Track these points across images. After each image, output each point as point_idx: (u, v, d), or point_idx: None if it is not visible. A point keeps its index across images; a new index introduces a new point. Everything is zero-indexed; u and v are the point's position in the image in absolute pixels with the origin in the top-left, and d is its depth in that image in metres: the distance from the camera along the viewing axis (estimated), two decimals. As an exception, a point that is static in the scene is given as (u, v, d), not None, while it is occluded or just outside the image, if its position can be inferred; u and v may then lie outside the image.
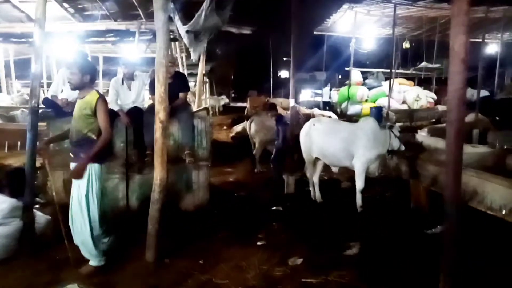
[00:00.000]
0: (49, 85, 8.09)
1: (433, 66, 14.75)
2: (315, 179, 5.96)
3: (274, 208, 5.67)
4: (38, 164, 4.22)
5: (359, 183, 5.28)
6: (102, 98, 3.53)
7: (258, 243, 4.42)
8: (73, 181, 3.51)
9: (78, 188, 3.47)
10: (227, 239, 4.49)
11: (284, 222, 5.06)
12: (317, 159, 5.86)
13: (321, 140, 5.60)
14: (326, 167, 6.29)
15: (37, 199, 4.69)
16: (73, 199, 3.51)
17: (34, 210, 3.89)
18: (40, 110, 4.31)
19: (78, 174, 3.43)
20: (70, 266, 3.65)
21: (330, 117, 12.09)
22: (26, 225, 3.69)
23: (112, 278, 3.52)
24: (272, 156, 7.13)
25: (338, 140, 5.42)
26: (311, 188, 6.03)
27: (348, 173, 6.43)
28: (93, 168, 3.48)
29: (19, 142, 5.59)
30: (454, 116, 2.08)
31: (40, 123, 4.17)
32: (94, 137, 3.50)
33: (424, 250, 4.04)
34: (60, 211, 3.78)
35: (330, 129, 5.64)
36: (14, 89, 13.09)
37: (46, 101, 5.13)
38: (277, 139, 7.01)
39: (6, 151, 6.22)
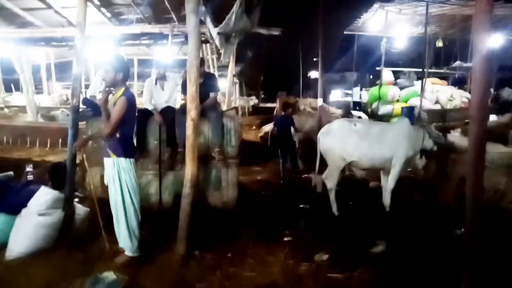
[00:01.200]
0: (87, 86, 8.49)
1: (468, 65, 14.31)
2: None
3: (301, 206, 5.74)
4: (77, 160, 4.48)
5: (392, 184, 5.24)
6: (126, 95, 3.65)
7: (285, 239, 4.51)
8: (108, 175, 3.73)
9: (113, 182, 3.68)
10: (254, 235, 4.59)
11: (311, 220, 5.12)
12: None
13: (362, 142, 5.25)
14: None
15: (76, 193, 4.97)
16: (110, 192, 3.73)
17: (74, 202, 4.13)
18: (80, 110, 4.58)
19: (75, 146, 3.94)
20: (106, 257, 3.86)
21: (360, 117, 11.99)
22: (66, 216, 3.93)
23: (145, 268, 3.69)
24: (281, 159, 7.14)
25: (380, 141, 5.24)
26: (333, 200, 5.47)
27: (375, 174, 6.39)
28: (119, 162, 3.67)
29: (60, 140, 5.92)
30: (477, 115, 2.09)
31: (79, 122, 4.42)
32: (117, 134, 3.68)
33: (452, 251, 4.01)
34: (98, 204, 4.03)
35: (370, 130, 5.41)
36: (55, 90, 13.76)
37: (85, 101, 5.42)
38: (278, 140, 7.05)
39: (47, 148, 6.60)
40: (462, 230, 4.44)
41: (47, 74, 13.57)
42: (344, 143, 5.31)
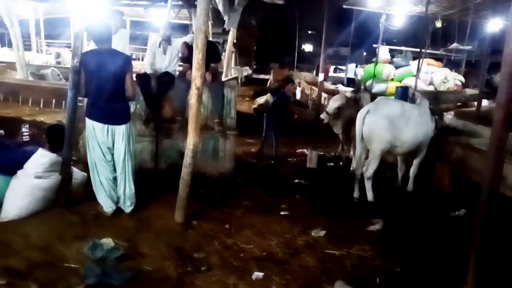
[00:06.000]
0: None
1: (464, 48, 14.27)
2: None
3: (296, 181, 5.75)
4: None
5: (417, 168, 5.27)
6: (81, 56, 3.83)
7: (281, 213, 4.52)
8: None
9: None
10: (251, 207, 4.61)
11: (306, 195, 5.14)
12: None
13: (407, 125, 4.84)
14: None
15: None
16: None
17: (71, 166, 4.04)
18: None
19: None
20: (101, 222, 3.84)
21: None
22: (63, 179, 3.84)
23: (143, 235, 3.67)
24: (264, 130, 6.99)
25: (418, 124, 4.97)
26: (369, 188, 4.97)
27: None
28: (86, 121, 3.83)
29: (53, 100, 5.73)
30: (503, 98, 2.07)
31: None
32: None
33: (446, 232, 4.10)
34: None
35: (411, 111, 5.05)
36: (43, 48, 13.25)
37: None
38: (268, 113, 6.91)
39: (38, 108, 6.38)
40: (457, 212, 4.59)
41: (36, 30, 12.96)
42: (394, 125, 4.75)
